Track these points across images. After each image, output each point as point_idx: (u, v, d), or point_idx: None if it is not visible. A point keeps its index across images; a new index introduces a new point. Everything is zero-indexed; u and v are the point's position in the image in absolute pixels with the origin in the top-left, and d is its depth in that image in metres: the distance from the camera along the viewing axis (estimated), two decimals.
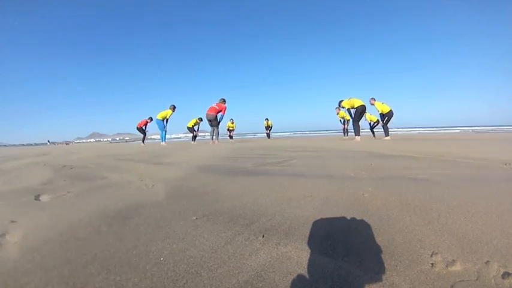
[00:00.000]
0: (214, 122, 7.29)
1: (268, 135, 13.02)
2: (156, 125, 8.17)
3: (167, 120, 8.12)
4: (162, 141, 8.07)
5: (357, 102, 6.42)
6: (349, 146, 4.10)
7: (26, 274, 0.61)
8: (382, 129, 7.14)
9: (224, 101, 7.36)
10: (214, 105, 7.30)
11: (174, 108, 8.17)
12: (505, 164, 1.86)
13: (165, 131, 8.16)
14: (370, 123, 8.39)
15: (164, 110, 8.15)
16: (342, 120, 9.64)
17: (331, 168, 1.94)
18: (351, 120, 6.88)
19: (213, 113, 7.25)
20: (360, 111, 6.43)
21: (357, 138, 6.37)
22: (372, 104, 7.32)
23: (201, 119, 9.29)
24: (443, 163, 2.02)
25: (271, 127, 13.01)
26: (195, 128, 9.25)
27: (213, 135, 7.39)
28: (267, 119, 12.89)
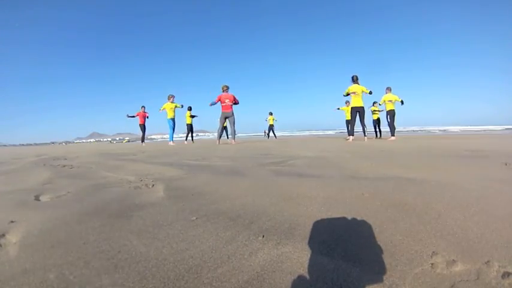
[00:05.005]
0: (231, 119, 6.47)
1: (269, 134, 11.65)
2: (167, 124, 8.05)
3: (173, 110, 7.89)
4: (171, 140, 7.94)
5: (359, 102, 6.35)
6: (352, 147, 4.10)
7: (26, 274, 0.61)
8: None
9: (228, 88, 6.42)
10: (227, 100, 6.30)
11: (172, 97, 7.86)
12: (505, 164, 1.86)
13: (173, 130, 7.98)
14: (373, 121, 8.39)
15: (163, 106, 7.96)
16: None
17: (331, 168, 1.94)
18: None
19: (229, 110, 6.37)
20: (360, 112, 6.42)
21: (350, 138, 6.38)
22: (386, 93, 7.23)
23: (190, 108, 9.17)
24: (442, 163, 2.02)
25: (273, 124, 11.50)
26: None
27: (220, 135, 6.69)
28: (271, 113, 11.43)
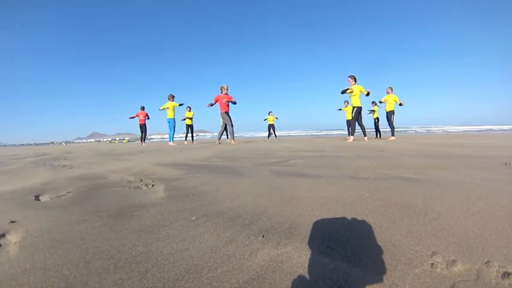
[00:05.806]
0: (227, 119, 6.52)
1: (270, 134, 11.22)
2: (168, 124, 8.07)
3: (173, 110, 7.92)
4: (171, 141, 7.92)
5: (356, 102, 6.39)
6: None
7: (26, 274, 0.61)
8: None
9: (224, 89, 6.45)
10: (223, 100, 6.37)
11: (172, 97, 7.89)
12: (505, 164, 1.86)
13: (174, 130, 7.98)
14: (374, 121, 8.44)
15: (164, 105, 7.96)
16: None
17: (331, 168, 1.94)
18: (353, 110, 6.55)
19: (224, 110, 6.44)
20: (358, 112, 6.47)
21: (350, 138, 6.44)
22: (388, 93, 7.27)
23: (189, 108, 9.22)
24: (442, 163, 2.02)
25: (274, 124, 11.18)
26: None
27: (221, 135, 6.70)
28: (270, 112, 11.16)
